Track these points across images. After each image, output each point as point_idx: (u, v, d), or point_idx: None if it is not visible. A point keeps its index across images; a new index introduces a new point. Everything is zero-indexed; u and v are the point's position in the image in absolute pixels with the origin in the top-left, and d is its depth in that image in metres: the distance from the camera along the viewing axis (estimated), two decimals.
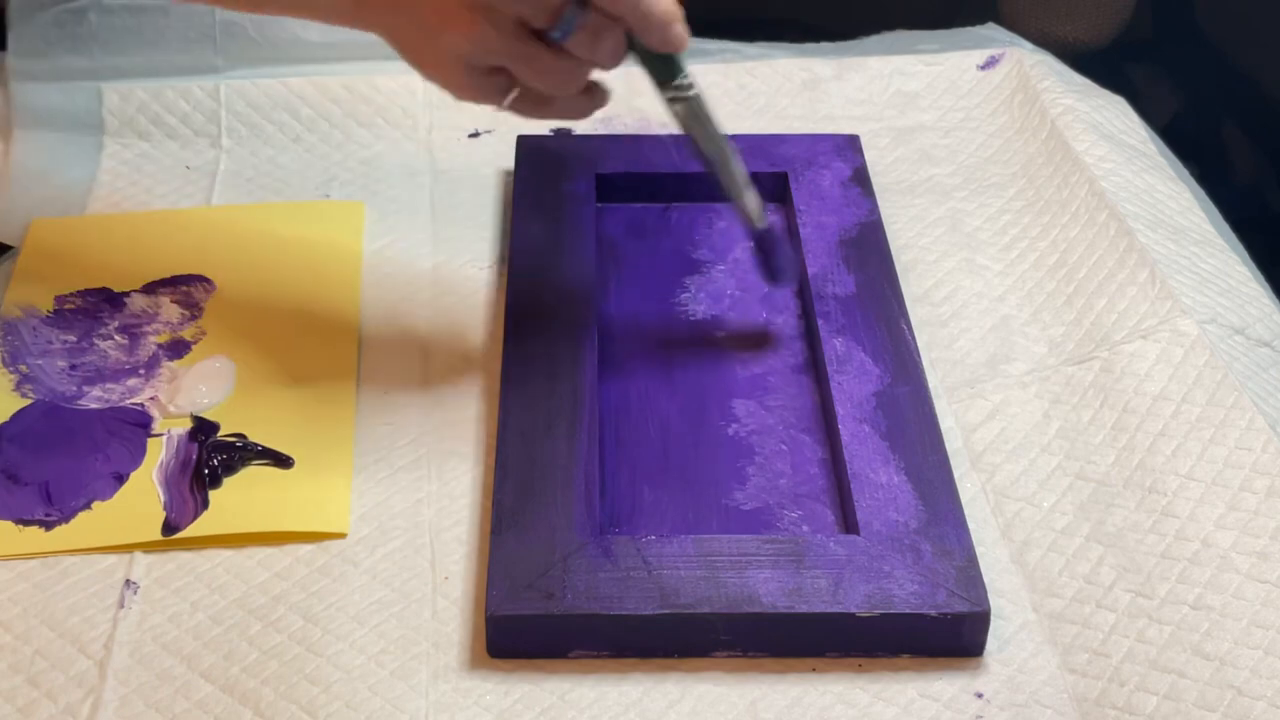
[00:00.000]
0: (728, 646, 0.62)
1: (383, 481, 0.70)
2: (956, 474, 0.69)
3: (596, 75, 0.67)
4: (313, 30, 0.93)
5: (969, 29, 1.03)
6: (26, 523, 0.67)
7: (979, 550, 0.65)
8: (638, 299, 0.79)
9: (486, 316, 0.79)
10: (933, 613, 0.61)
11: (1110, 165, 0.87)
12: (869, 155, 0.89)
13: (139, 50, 0.93)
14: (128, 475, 0.69)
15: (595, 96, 0.68)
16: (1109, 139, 0.90)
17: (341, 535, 0.67)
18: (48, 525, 0.67)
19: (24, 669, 0.61)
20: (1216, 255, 0.83)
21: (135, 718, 0.60)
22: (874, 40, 1.01)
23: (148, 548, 0.66)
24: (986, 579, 0.63)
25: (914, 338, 0.75)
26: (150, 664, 0.62)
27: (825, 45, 1.00)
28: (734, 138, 0.71)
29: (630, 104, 0.90)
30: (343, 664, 0.62)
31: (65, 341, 0.76)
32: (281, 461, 0.70)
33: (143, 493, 0.68)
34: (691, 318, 0.79)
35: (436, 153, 0.91)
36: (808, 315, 0.77)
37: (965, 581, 0.62)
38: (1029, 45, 1.00)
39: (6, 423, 0.71)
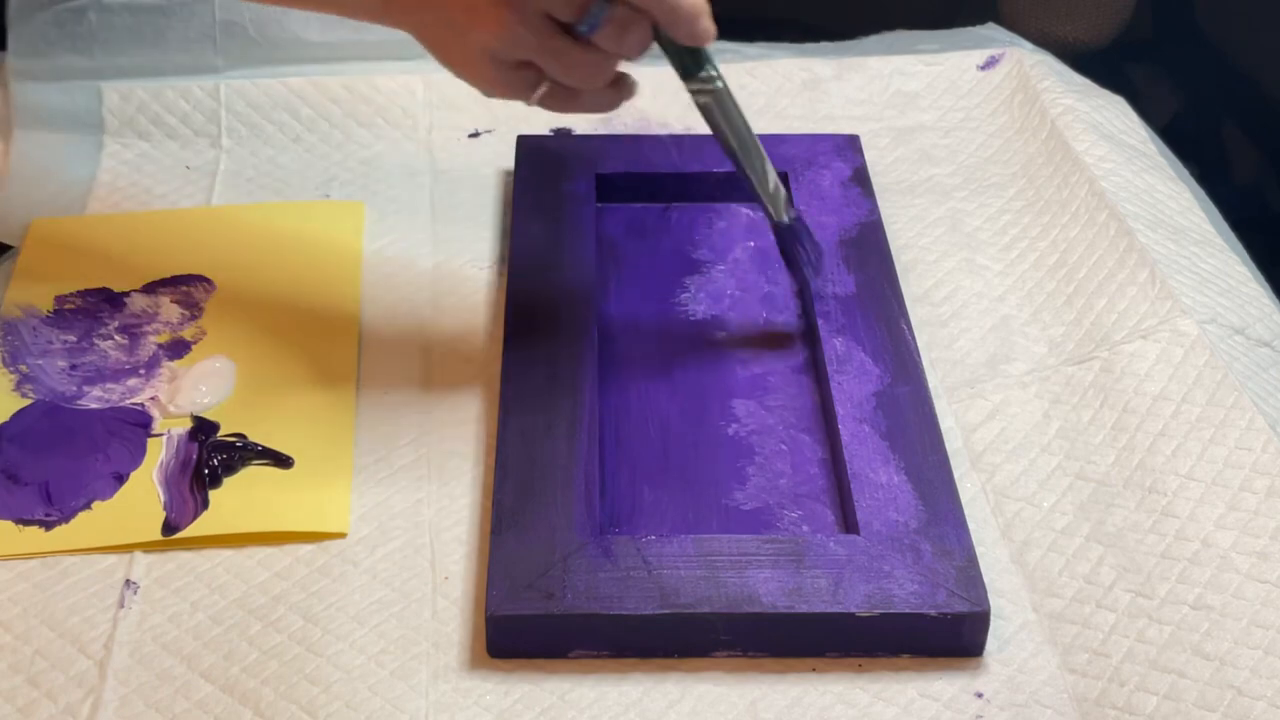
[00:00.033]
0: (728, 646, 0.62)
1: (383, 481, 0.70)
2: (956, 474, 0.69)
3: (623, 67, 0.67)
4: (313, 30, 0.93)
5: (969, 29, 1.03)
6: (26, 523, 0.67)
7: (979, 550, 0.65)
8: (638, 299, 0.79)
9: (486, 316, 0.79)
10: (933, 613, 0.61)
11: (1110, 165, 0.87)
12: (869, 155, 0.89)
13: (139, 50, 0.93)
14: (128, 475, 0.69)
15: (622, 89, 0.68)
16: (1109, 139, 0.90)
17: (341, 535, 0.67)
18: (48, 525, 0.67)
19: (24, 669, 0.61)
20: (1216, 255, 0.83)
21: (135, 718, 0.60)
22: (874, 40, 1.01)
23: (148, 548, 0.66)
24: (986, 579, 0.63)
25: (914, 338, 0.75)
26: (150, 664, 0.62)
27: (825, 45, 1.00)
28: None
29: (630, 104, 0.90)
30: (343, 664, 0.62)
31: (65, 341, 0.76)
32: (281, 461, 0.70)
33: (143, 493, 0.68)
34: (691, 318, 0.79)
35: (436, 153, 0.91)
36: (808, 315, 0.78)
37: (965, 581, 0.62)
38: (1029, 45, 1.00)
39: (6, 423, 0.71)
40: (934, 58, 0.99)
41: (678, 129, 0.91)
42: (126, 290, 0.79)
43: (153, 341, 0.77)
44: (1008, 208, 0.87)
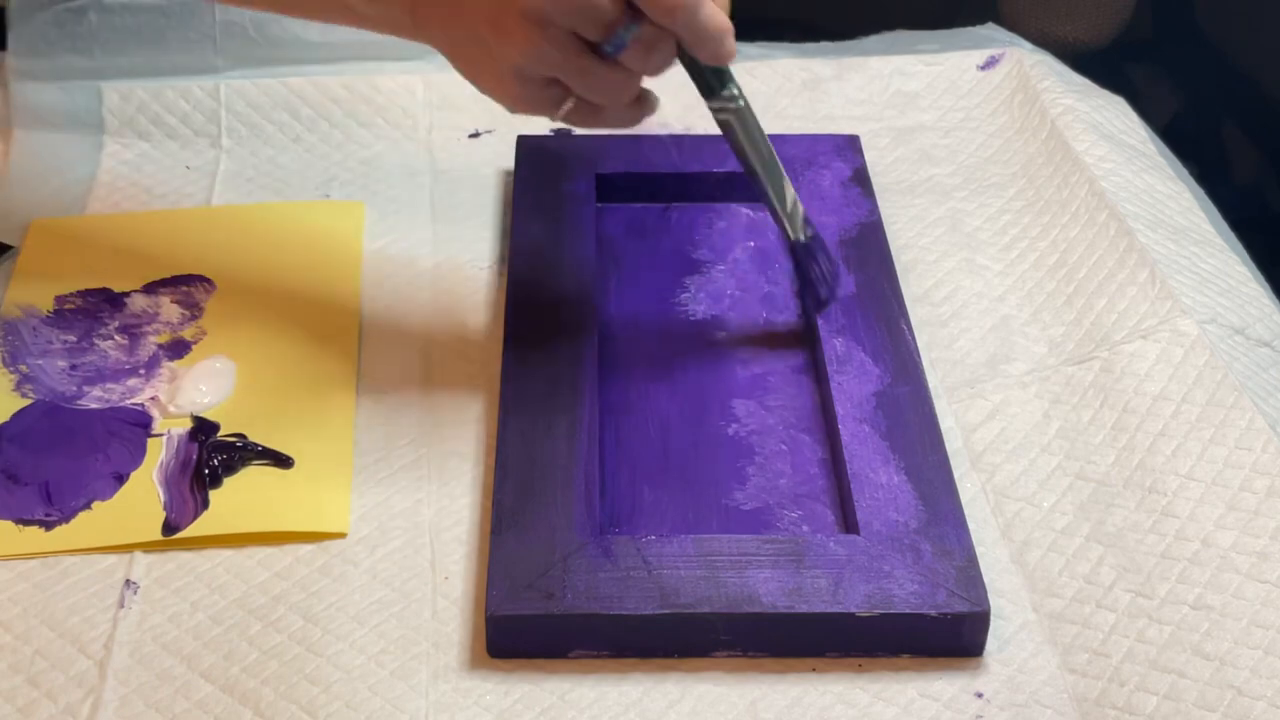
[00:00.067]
0: (728, 646, 0.62)
1: (383, 481, 0.70)
2: (956, 474, 0.69)
3: (645, 83, 0.68)
4: (313, 30, 0.93)
5: (969, 29, 1.03)
6: (26, 523, 0.67)
7: (979, 550, 0.65)
8: (638, 299, 0.79)
9: (487, 317, 0.79)
10: (933, 613, 0.61)
11: (1110, 165, 0.87)
12: (869, 155, 0.89)
13: (139, 50, 0.93)
14: (128, 475, 0.69)
15: (645, 105, 0.69)
16: (1109, 139, 0.90)
17: (341, 535, 0.67)
18: (48, 525, 0.67)
19: (24, 669, 0.61)
20: (1216, 255, 0.83)
21: (135, 718, 0.60)
22: (874, 40, 1.01)
23: (148, 548, 0.66)
24: (986, 579, 0.63)
25: (914, 338, 0.75)
26: (150, 664, 0.62)
27: (825, 45, 1.00)
28: None
29: None
30: (343, 664, 0.62)
31: (65, 341, 0.76)
32: (281, 461, 0.70)
33: (143, 493, 0.68)
34: (691, 318, 0.79)
35: (436, 153, 0.91)
36: (808, 315, 0.77)
37: (965, 581, 0.62)
38: (1029, 45, 1.00)
39: (6, 423, 0.71)
40: (934, 58, 0.99)
41: (678, 129, 0.91)
42: (127, 290, 0.79)
43: (153, 341, 0.77)
44: (1008, 208, 0.87)
